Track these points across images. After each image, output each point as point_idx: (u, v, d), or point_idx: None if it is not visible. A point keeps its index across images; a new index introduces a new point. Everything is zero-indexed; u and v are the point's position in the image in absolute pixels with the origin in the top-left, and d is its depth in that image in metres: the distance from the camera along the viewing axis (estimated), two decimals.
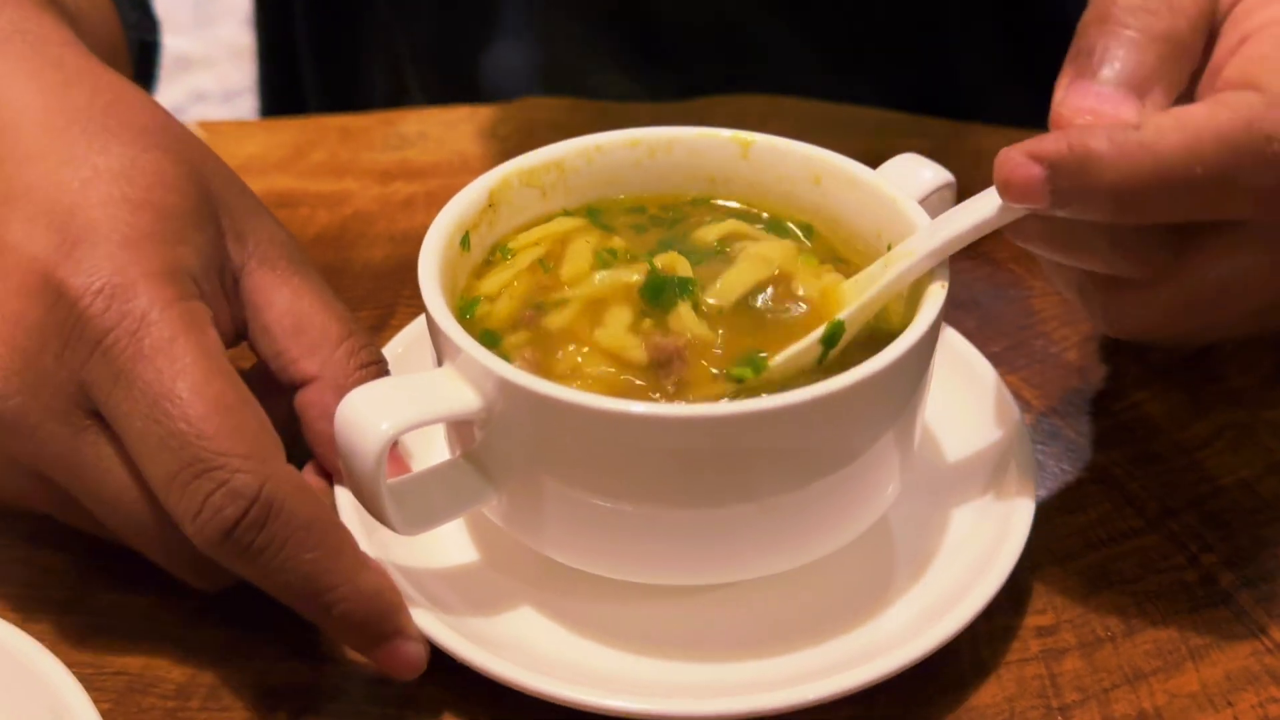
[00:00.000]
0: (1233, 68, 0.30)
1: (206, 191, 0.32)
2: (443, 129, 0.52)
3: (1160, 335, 0.34)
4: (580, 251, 0.33)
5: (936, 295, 0.30)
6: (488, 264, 0.34)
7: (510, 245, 0.34)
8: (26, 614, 0.33)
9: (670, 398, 0.29)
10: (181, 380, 0.28)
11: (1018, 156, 0.28)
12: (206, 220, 0.31)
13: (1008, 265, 0.45)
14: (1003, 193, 0.28)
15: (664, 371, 0.30)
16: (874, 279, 0.31)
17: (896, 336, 0.29)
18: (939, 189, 0.34)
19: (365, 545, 0.29)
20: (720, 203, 0.37)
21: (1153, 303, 0.31)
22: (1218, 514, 0.35)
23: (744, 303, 0.32)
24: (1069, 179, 0.27)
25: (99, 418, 0.29)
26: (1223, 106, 0.28)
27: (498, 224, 0.34)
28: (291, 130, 0.51)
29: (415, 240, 0.46)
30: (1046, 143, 0.27)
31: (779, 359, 0.30)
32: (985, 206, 0.29)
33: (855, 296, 0.31)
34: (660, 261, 0.32)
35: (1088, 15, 0.31)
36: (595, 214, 0.35)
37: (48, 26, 0.35)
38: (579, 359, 0.30)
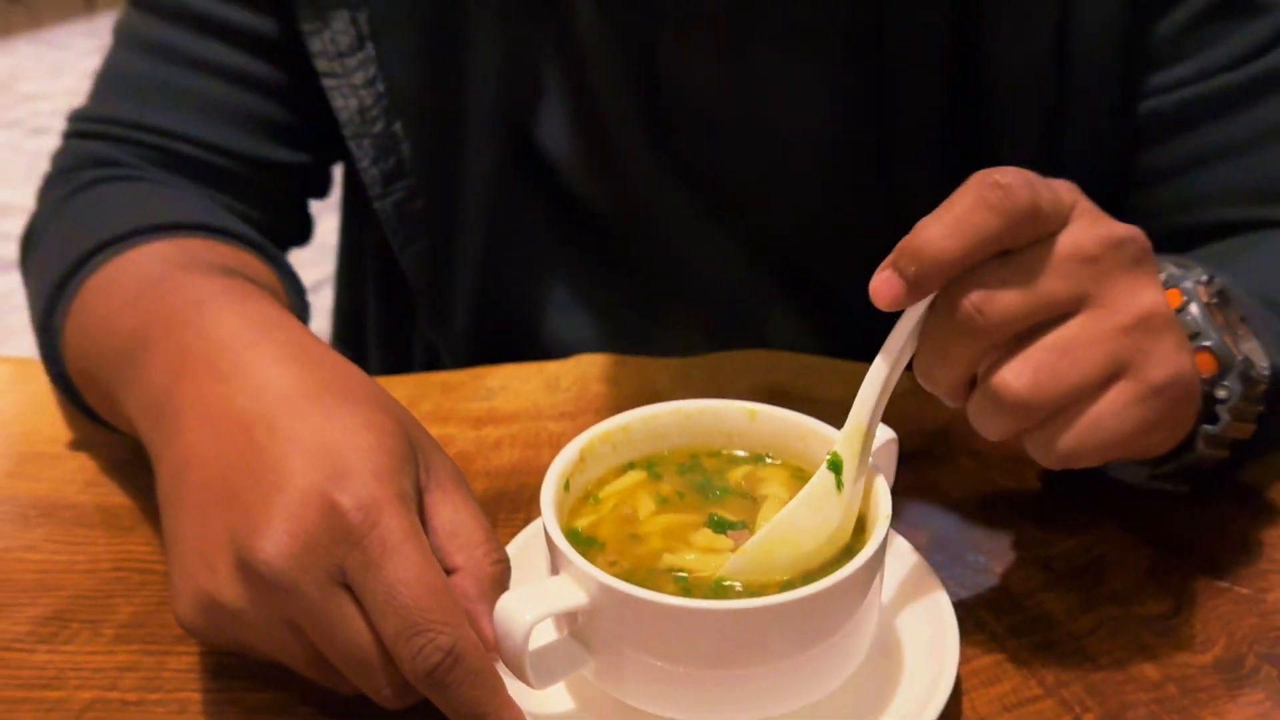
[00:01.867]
0: None
1: (410, 438, 0.45)
2: (519, 382, 0.67)
3: (1042, 426, 0.45)
4: (645, 501, 0.48)
5: (884, 519, 0.44)
6: (582, 504, 0.48)
7: (598, 494, 0.49)
8: None
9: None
10: (409, 571, 0.41)
11: (880, 274, 0.43)
12: (413, 459, 0.45)
13: (951, 496, 0.59)
14: (877, 299, 0.43)
15: None
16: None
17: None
18: (886, 443, 0.49)
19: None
20: (736, 452, 0.51)
21: (1011, 376, 0.44)
22: (1096, 685, 0.48)
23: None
24: (896, 262, 0.42)
25: (346, 588, 0.41)
26: (947, 204, 0.43)
27: (586, 470, 0.49)
28: (405, 385, 0.66)
29: (507, 474, 0.61)
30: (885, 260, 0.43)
31: (798, 500, 0.45)
32: (881, 366, 0.44)
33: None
34: (717, 514, 0.47)
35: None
36: (651, 466, 0.50)
37: (291, 319, 0.50)
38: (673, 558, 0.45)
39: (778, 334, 0.77)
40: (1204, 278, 0.52)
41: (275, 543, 0.41)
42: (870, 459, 0.47)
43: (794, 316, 0.77)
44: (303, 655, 0.44)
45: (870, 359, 0.45)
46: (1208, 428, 0.52)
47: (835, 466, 0.46)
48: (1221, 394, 0.51)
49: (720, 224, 0.75)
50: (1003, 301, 0.43)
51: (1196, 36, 0.68)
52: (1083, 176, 0.71)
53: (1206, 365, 0.51)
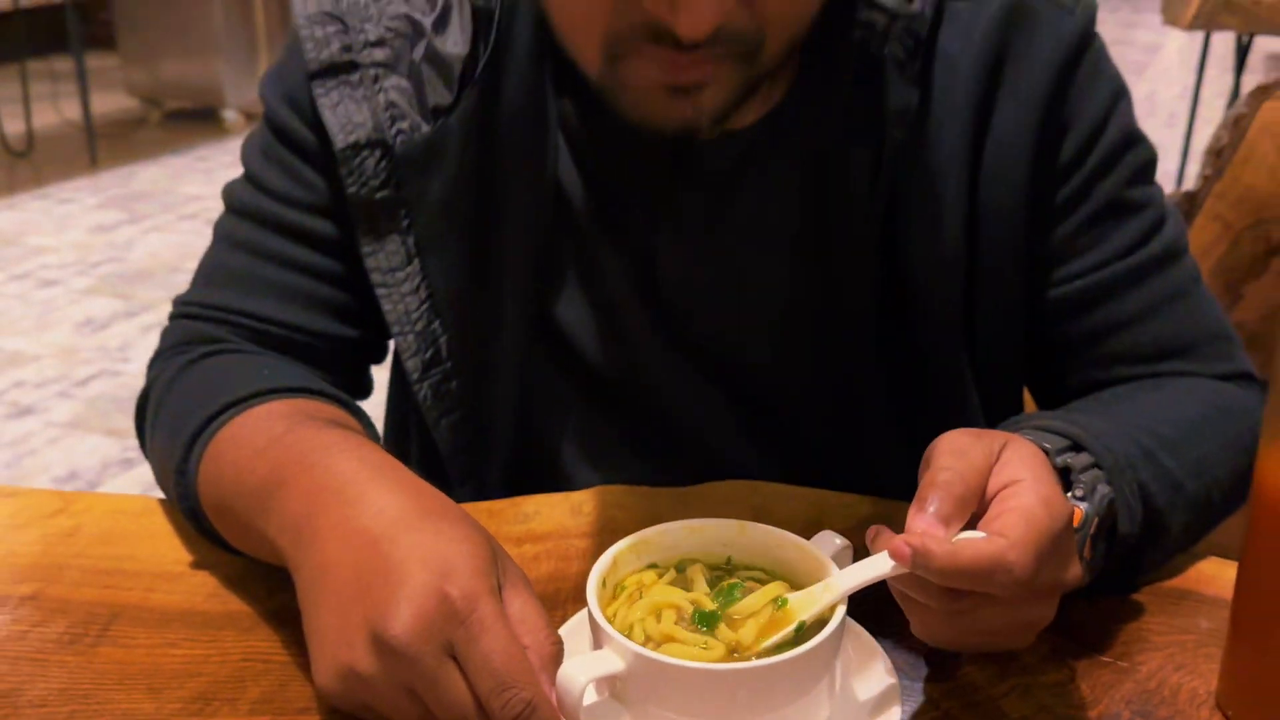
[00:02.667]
0: (994, 523, 0.59)
1: (492, 546, 0.61)
2: (549, 509, 0.83)
3: (949, 644, 0.64)
4: (655, 587, 0.63)
5: (842, 606, 0.59)
6: (612, 595, 0.64)
7: (624, 584, 0.64)
8: None
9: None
10: (500, 644, 0.55)
11: (901, 542, 0.57)
12: (496, 563, 0.59)
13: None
14: (893, 556, 0.57)
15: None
16: (815, 599, 0.61)
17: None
18: (841, 550, 0.64)
19: None
20: (734, 558, 0.67)
21: (943, 623, 0.61)
22: None
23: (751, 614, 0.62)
24: (919, 557, 0.57)
25: (452, 656, 0.56)
26: (989, 543, 0.57)
27: (618, 571, 0.63)
28: None
29: (545, 582, 0.76)
30: (913, 538, 0.57)
31: (773, 640, 0.59)
32: (880, 566, 0.59)
33: (804, 608, 0.61)
34: (701, 603, 0.62)
35: (925, 477, 0.60)
36: (681, 566, 0.65)
37: (394, 460, 0.66)
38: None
39: (745, 467, 0.92)
40: (1108, 502, 0.69)
41: (402, 623, 0.56)
42: (831, 560, 0.63)
43: (760, 453, 0.93)
44: (414, 713, 0.58)
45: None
46: None
47: (800, 629, 0.60)
48: None
49: (703, 381, 0.91)
50: (960, 609, 0.60)
51: (1090, 236, 0.85)
52: (992, 349, 0.88)
53: None
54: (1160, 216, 0.87)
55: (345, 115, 0.82)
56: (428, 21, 0.82)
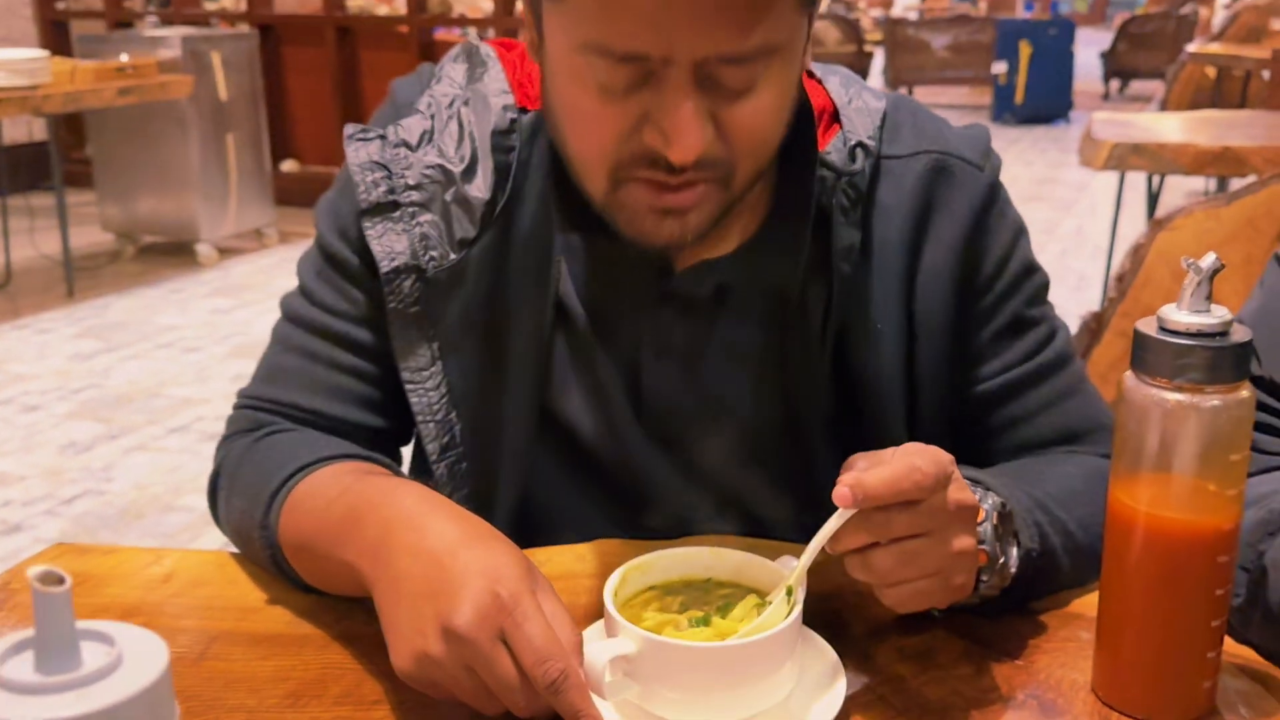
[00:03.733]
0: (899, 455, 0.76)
1: (528, 562, 0.78)
2: (559, 556, 1.00)
3: (908, 597, 0.79)
4: (655, 605, 0.82)
5: (800, 595, 0.78)
6: (624, 608, 0.82)
7: (631, 603, 0.82)
8: None
9: None
10: (539, 628, 0.73)
11: (841, 486, 0.74)
12: (532, 572, 0.78)
13: (846, 602, 0.93)
14: (836, 501, 0.75)
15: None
16: (790, 573, 0.80)
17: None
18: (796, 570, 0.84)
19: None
20: (714, 577, 0.86)
21: (896, 567, 0.79)
22: (926, 708, 0.82)
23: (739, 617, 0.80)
24: (855, 488, 0.74)
25: (503, 640, 0.73)
26: (899, 460, 0.75)
27: (626, 587, 0.82)
28: None
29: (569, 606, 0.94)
30: (845, 479, 0.75)
31: (766, 613, 0.78)
32: (831, 524, 0.77)
33: (784, 579, 0.80)
34: (696, 614, 0.81)
35: (849, 460, 0.78)
36: (671, 588, 0.84)
37: (447, 499, 0.84)
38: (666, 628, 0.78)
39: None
40: (1001, 505, 0.88)
41: (465, 616, 0.74)
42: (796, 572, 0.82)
43: (734, 533, 1.10)
44: (471, 688, 0.75)
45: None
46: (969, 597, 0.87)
47: (789, 592, 0.80)
48: (984, 577, 0.86)
49: (682, 472, 1.07)
50: (896, 529, 0.78)
51: (998, 345, 1.04)
52: (931, 437, 1.06)
53: (982, 559, 0.86)
54: (1053, 329, 1.07)
55: (388, 245, 0.98)
56: (458, 171, 0.98)
